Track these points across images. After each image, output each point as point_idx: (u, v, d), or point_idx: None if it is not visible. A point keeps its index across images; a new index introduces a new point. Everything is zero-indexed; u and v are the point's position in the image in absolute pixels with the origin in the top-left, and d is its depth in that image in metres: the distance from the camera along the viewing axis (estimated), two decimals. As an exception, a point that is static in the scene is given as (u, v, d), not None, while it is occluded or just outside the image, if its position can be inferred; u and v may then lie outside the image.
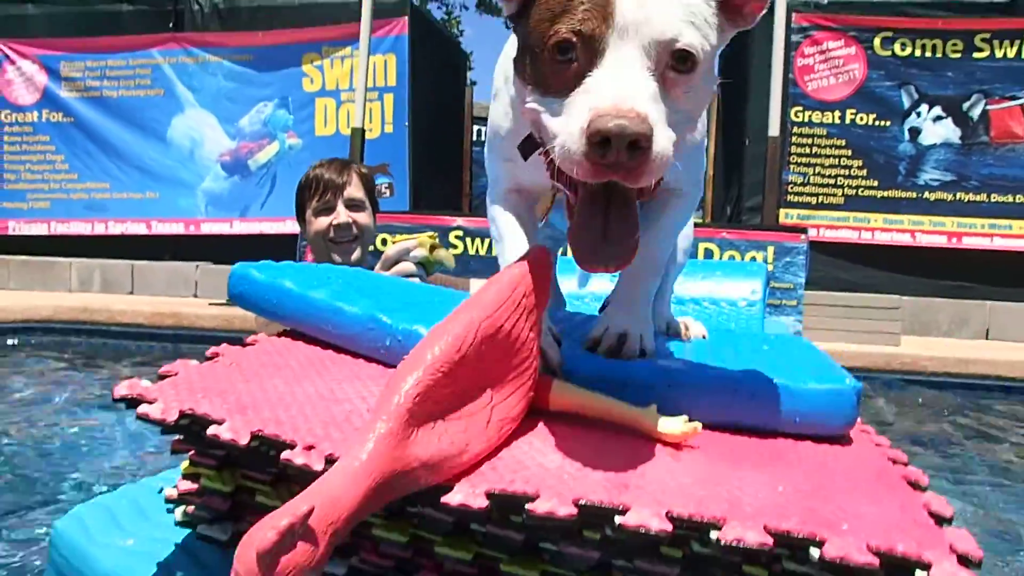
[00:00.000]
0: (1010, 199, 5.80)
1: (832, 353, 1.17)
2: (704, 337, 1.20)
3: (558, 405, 0.84)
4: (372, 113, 6.33)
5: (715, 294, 2.28)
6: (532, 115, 0.81)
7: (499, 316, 0.76)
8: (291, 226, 6.36)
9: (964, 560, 0.59)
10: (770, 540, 0.60)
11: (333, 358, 0.99)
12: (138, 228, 6.67)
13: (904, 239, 5.90)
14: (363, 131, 5.58)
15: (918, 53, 5.86)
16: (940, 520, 0.68)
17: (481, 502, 0.64)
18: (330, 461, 0.67)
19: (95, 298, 5.57)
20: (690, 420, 0.80)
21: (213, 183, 6.73)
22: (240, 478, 0.81)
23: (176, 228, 6.64)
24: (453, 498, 0.65)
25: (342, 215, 2.19)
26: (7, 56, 6.82)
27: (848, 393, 0.92)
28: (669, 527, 0.61)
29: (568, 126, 0.73)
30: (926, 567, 0.58)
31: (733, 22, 0.82)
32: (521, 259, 0.86)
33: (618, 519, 0.61)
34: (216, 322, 4.41)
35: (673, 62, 0.75)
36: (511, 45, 0.96)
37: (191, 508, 0.83)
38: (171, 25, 6.67)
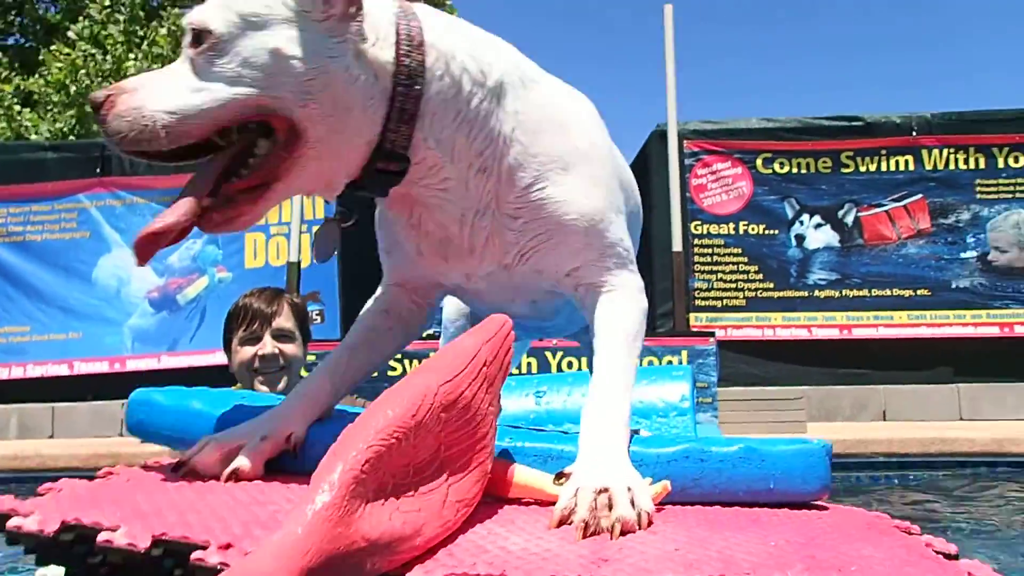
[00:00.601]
0: (888, 293, 6.48)
1: None
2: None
3: (520, 491, 0.83)
4: (302, 243, 6.60)
5: (646, 400, 2.09)
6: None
7: (459, 382, 0.68)
8: (221, 358, 6.44)
9: None
10: None
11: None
12: (59, 369, 6.54)
13: (802, 334, 6.47)
14: (298, 264, 5.80)
15: (795, 170, 6.65)
16: (948, 556, 0.68)
17: None
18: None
19: (22, 444, 5.42)
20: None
21: (140, 319, 6.74)
22: None
23: (100, 367, 6.55)
24: None
25: (268, 346, 2.13)
26: (-76, 205, 6.84)
27: (819, 451, 0.90)
28: None
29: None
30: None
31: None
32: (484, 326, 0.82)
33: None
34: (161, 457, 4.38)
35: (193, 42, 0.91)
36: None
37: None
38: (98, 170, 6.85)
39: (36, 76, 11.21)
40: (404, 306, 1.10)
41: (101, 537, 0.61)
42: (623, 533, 0.69)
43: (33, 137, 10.43)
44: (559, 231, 0.98)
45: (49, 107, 10.78)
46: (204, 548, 0.58)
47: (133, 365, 6.55)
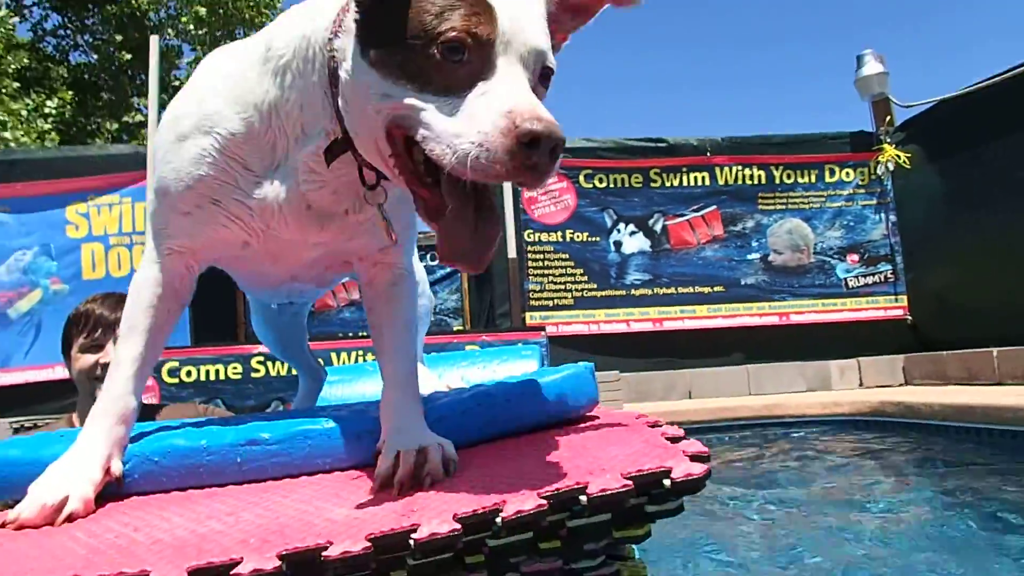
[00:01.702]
0: (691, 290, 7.45)
1: None
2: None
3: None
4: (146, 255, 6.57)
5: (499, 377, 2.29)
6: (407, 110, 0.78)
7: None
8: (60, 372, 6.26)
9: (697, 458, 0.74)
10: (544, 503, 0.66)
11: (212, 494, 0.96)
12: None
13: (621, 327, 7.25)
14: None
15: (612, 185, 7.42)
16: (675, 440, 0.85)
17: (274, 563, 0.62)
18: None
19: None
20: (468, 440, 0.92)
21: None
22: None
23: None
24: (245, 568, 0.62)
25: (110, 353, 1.93)
26: None
27: (584, 372, 1.05)
28: (458, 527, 0.64)
29: (478, 126, 0.72)
30: (668, 472, 0.69)
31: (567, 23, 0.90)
32: None
33: (412, 538, 0.62)
34: None
35: (540, 78, 0.81)
36: (210, 84, 0.97)
37: None
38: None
39: None
40: (180, 277, 1.04)
41: None
42: (434, 482, 0.80)
43: None
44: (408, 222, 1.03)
45: None
46: None
47: (-40, 383, 6.24)
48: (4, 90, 10.49)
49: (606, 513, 0.69)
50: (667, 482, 0.69)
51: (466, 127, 0.72)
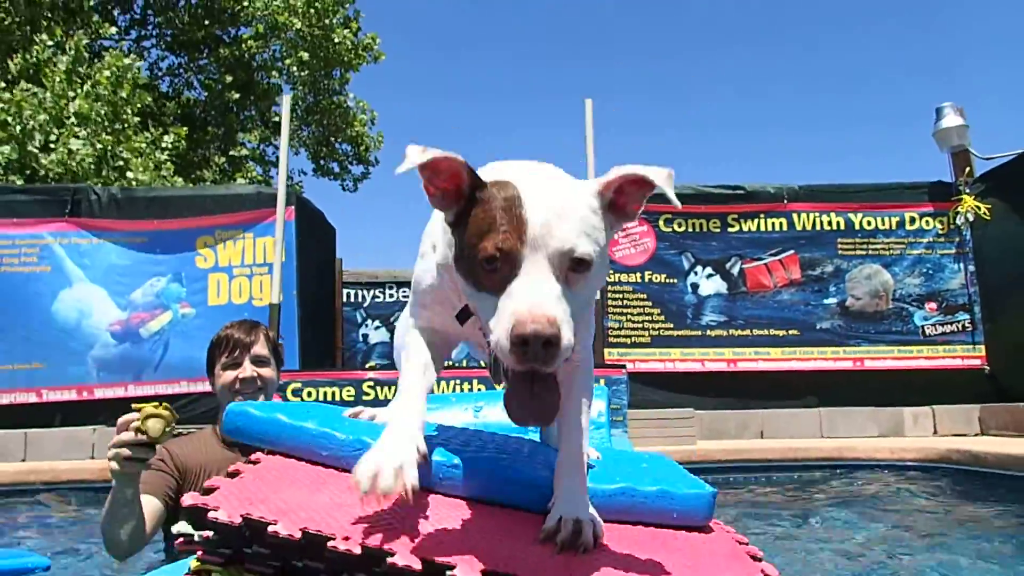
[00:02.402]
0: (767, 332, 7.69)
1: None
2: (598, 458, 1.43)
3: None
4: (263, 285, 7.25)
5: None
6: (472, 304, 1.04)
7: None
8: (185, 387, 7.00)
9: None
10: None
11: (327, 474, 1.20)
12: (28, 397, 6.90)
13: (696, 367, 7.52)
14: (279, 306, 6.41)
15: (690, 229, 7.75)
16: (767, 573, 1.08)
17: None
18: (365, 548, 0.92)
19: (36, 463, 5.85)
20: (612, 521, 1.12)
21: (102, 350, 7.11)
22: (244, 572, 1.01)
23: (69, 395, 6.95)
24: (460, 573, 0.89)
25: (248, 370, 2.34)
26: None
27: (707, 496, 1.25)
28: None
29: (499, 326, 0.91)
30: None
31: (620, 220, 1.06)
32: None
33: None
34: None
35: (573, 265, 0.95)
36: (437, 219, 1.17)
37: None
38: (67, 211, 7.31)
39: None
40: (436, 338, 1.29)
41: (270, 529, 0.94)
42: (585, 551, 0.99)
43: None
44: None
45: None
46: (332, 539, 0.92)
47: (100, 393, 6.97)
48: (127, 126, 11.51)
49: None
50: None
51: (496, 324, 0.92)
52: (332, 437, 1.23)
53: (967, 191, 7.73)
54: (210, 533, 1.02)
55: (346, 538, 0.94)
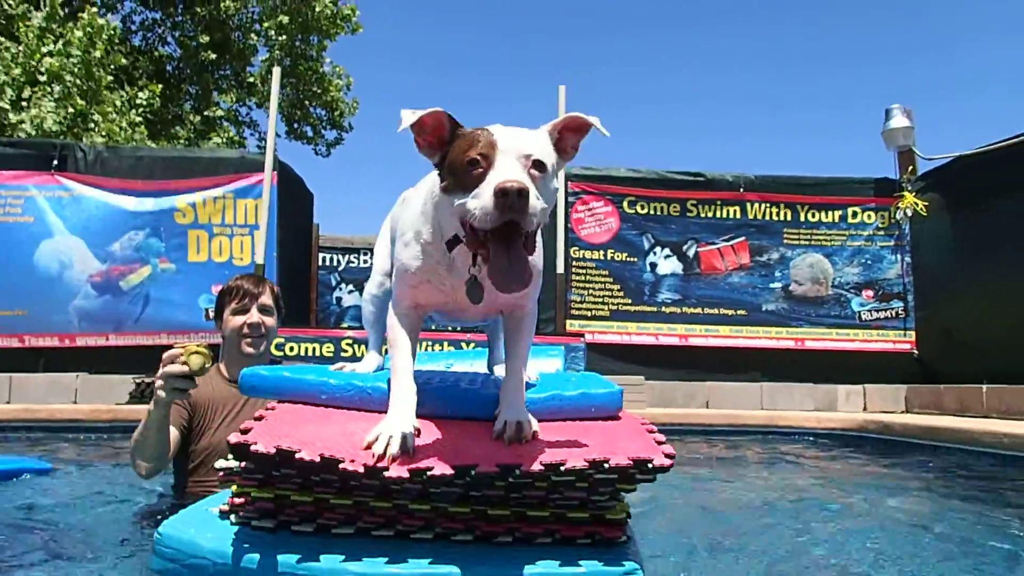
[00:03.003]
0: (717, 311, 8.23)
1: None
2: (537, 379, 1.77)
3: None
4: (243, 245, 7.56)
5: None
6: (460, 209, 1.22)
7: None
8: (165, 339, 7.28)
9: (668, 456, 1.25)
10: (587, 464, 1.20)
11: (328, 412, 1.51)
12: (10, 342, 7.16)
13: (651, 340, 8.02)
14: (263, 266, 6.71)
15: (652, 212, 8.22)
16: (660, 443, 1.35)
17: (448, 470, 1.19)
18: (368, 468, 1.20)
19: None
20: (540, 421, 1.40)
21: (84, 301, 7.33)
22: (278, 489, 1.29)
23: (51, 342, 7.21)
24: (437, 471, 1.19)
25: (254, 316, 2.61)
26: None
27: (616, 392, 1.58)
28: (542, 467, 1.20)
29: (483, 195, 1.17)
30: (650, 460, 1.22)
31: (563, 157, 1.35)
32: None
33: (518, 470, 1.21)
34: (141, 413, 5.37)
35: (534, 165, 1.23)
36: (414, 207, 1.44)
37: (242, 513, 1.32)
38: (53, 166, 7.49)
39: None
40: (416, 320, 1.53)
41: (297, 455, 1.21)
42: (524, 441, 1.34)
43: None
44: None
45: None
46: (343, 461, 1.20)
47: (82, 341, 7.24)
48: (100, 86, 11.47)
49: (615, 475, 1.24)
50: (650, 465, 1.24)
51: (480, 196, 1.18)
52: (327, 384, 1.57)
53: (909, 188, 8.33)
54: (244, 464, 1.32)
55: (352, 460, 1.23)
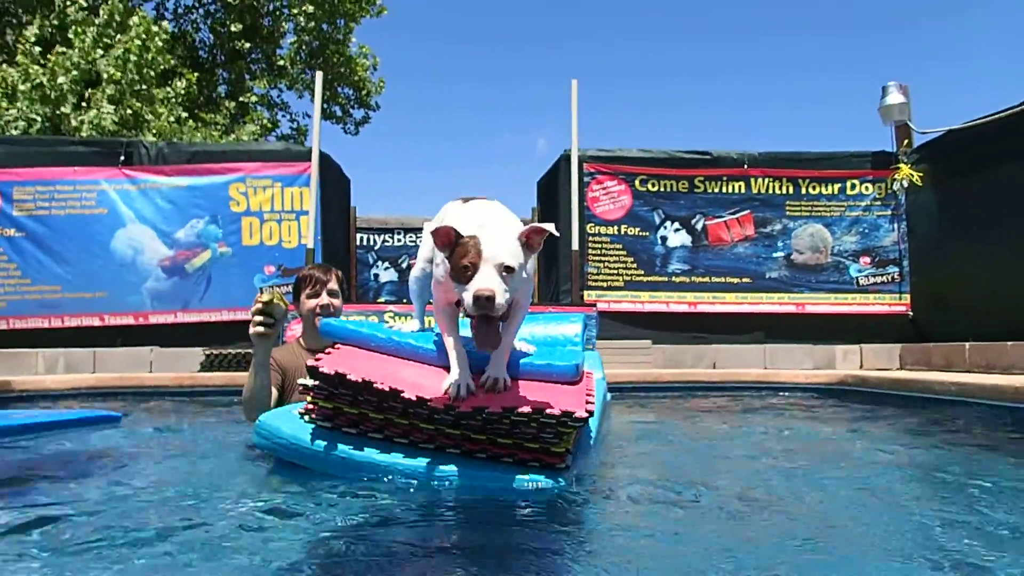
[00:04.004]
0: (723, 280, 8.92)
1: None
2: (533, 350, 2.38)
3: None
4: (291, 229, 8.39)
5: (554, 334, 3.28)
6: (456, 295, 1.93)
7: None
8: (226, 315, 8.18)
9: (589, 411, 1.96)
10: (530, 410, 1.93)
11: (373, 355, 2.26)
12: (92, 321, 8.10)
13: (662, 307, 8.76)
14: (313, 250, 7.54)
15: (662, 189, 8.89)
16: (588, 402, 2.01)
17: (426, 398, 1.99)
18: (391, 388, 1.95)
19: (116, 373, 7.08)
20: (518, 380, 2.13)
21: (155, 283, 8.19)
22: (336, 402, 2.04)
23: (127, 320, 8.12)
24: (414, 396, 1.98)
25: (324, 299, 3.12)
26: (-35, 184, 8.14)
27: (571, 367, 2.22)
28: (500, 410, 1.94)
29: (468, 295, 1.81)
30: (573, 413, 1.92)
31: (528, 251, 1.96)
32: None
33: (487, 411, 1.94)
34: (216, 380, 6.29)
35: (505, 270, 1.84)
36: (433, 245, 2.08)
37: (312, 415, 2.11)
38: (120, 161, 8.34)
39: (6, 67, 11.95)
40: (453, 311, 2.14)
41: (350, 377, 1.97)
42: (499, 390, 2.03)
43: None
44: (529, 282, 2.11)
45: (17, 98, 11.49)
46: (375, 383, 1.97)
47: (154, 319, 8.15)
48: (150, 86, 12.18)
49: (552, 420, 1.88)
50: (574, 415, 1.90)
51: (467, 295, 1.82)
52: (376, 336, 2.34)
53: (904, 160, 8.90)
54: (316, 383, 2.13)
55: (382, 383, 1.97)
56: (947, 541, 1.63)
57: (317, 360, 2.11)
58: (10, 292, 8.08)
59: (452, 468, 2.03)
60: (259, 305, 2.67)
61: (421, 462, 2.04)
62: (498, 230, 1.94)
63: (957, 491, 2.27)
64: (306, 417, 2.18)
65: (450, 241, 1.94)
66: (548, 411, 1.93)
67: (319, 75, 7.69)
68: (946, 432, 3.92)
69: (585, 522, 1.87)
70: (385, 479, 2.05)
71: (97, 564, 1.43)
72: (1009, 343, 6.80)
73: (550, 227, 2.00)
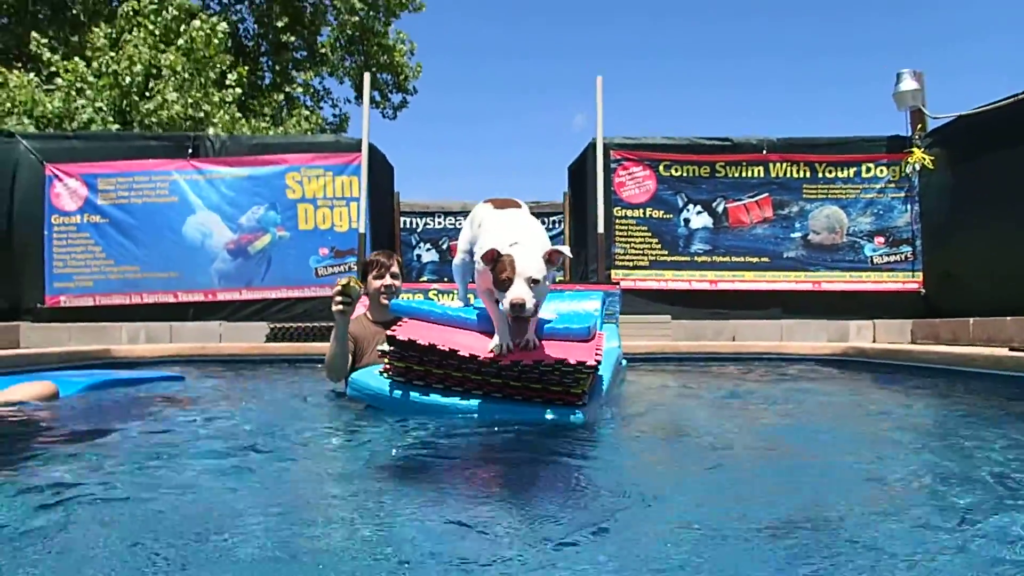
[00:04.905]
0: (743, 259, 9.46)
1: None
2: (555, 317, 3.14)
3: None
4: (342, 215, 9.18)
5: (576, 309, 3.76)
6: (496, 294, 2.65)
7: None
8: (285, 292, 9.03)
9: (598, 360, 2.76)
10: (554, 361, 2.70)
11: (433, 326, 3.02)
12: (168, 298, 9.01)
13: (684, 286, 9.33)
14: (365, 236, 8.33)
15: (685, 174, 9.45)
16: (597, 355, 2.81)
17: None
18: (449, 349, 2.71)
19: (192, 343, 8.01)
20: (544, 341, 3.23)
21: (222, 264, 9.04)
22: (407, 363, 2.85)
23: (198, 297, 9.03)
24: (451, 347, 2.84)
25: (388, 280, 3.61)
26: (56, 175, 9.03)
27: (584, 329, 3.03)
28: (531, 363, 2.71)
29: (505, 300, 2.53)
30: (585, 362, 2.68)
31: (551, 264, 2.63)
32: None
33: (522, 364, 2.73)
34: (280, 350, 7.14)
35: (533, 282, 2.55)
36: (480, 246, 2.83)
37: (389, 374, 2.92)
38: (189, 153, 9.22)
39: (76, 60, 12.87)
40: (492, 295, 2.71)
41: (419, 342, 2.76)
42: (527, 348, 2.78)
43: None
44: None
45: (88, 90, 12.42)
46: (437, 345, 2.74)
47: (222, 296, 9.02)
48: (208, 82, 12.98)
49: (570, 368, 2.63)
50: (587, 364, 2.64)
51: (504, 300, 2.52)
52: (434, 311, 3.07)
53: (918, 144, 9.34)
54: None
55: (443, 345, 2.68)
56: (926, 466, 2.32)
57: (393, 331, 2.83)
58: (96, 272, 9.03)
59: (496, 406, 2.78)
60: (339, 287, 3.24)
61: (473, 403, 2.81)
62: (528, 248, 2.60)
63: (939, 439, 2.96)
64: (385, 375, 2.92)
65: (493, 258, 2.65)
66: (567, 362, 2.67)
67: (367, 77, 8.41)
68: (928, 396, 4.58)
69: (599, 447, 2.61)
70: (446, 417, 2.81)
71: (197, 463, 2.25)
72: (1008, 318, 7.31)
73: (566, 250, 2.73)
